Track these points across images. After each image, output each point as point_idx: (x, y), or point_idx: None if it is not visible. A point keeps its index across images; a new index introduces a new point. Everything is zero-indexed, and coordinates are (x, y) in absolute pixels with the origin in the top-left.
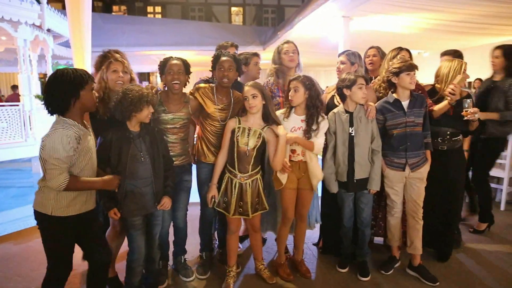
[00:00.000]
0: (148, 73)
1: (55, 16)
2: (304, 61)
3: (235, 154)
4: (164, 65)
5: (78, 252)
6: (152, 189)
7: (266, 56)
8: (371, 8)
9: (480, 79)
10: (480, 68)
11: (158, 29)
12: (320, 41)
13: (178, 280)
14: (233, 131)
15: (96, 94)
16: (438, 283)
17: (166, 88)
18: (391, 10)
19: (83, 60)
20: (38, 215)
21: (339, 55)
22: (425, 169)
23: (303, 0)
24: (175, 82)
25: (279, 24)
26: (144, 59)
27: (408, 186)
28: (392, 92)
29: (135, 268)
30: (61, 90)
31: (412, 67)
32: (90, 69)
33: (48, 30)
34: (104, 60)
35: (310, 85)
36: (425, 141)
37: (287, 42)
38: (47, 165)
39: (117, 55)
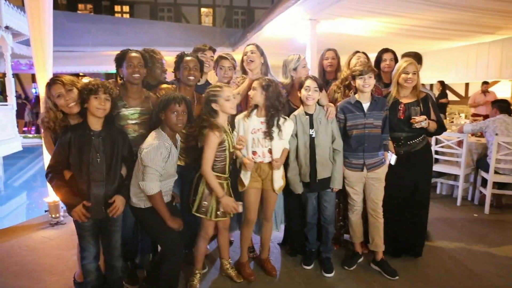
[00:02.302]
0: (116, 74)
1: (14, 13)
2: (273, 63)
3: (227, 159)
4: (122, 58)
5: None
6: (103, 193)
7: (235, 58)
8: (336, 12)
9: (441, 82)
10: (439, 71)
11: (126, 29)
12: (289, 43)
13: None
14: (221, 142)
15: (51, 124)
16: (397, 277)
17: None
18: (356, 14)
19: (44, 60)
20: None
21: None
22: (382, 170)
23: (273, 2)
24: (135, 74)
25: (249, 26)
26: (110, 60)
27: (367, 186)
28: (354, 93)
29: (86, 266)
30: (158, 105)
31: (362, 72)
32: (51, 69)
33: (7, 28)
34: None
35: (267, 86)
36: (384, 143)
37: (248, 44)
38: (147, 170)
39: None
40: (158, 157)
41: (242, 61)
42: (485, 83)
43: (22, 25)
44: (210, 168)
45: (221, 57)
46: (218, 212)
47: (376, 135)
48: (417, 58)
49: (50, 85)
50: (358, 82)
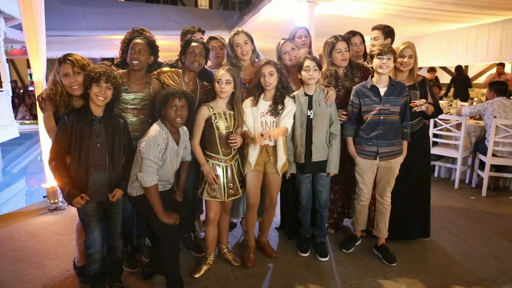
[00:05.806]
0: (113, 59)
1: None
2: (271, 46)
3: (217, 140)
4: (128, 43)
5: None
6: (106, 178)
7: None
8: None
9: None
10: (438, 53)
11: (121, 12)
12: (287, 26)
13: (144, 263)
14: (208, 119)
15: (56, 97)
16: (395, 264)
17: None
18: None
19: (37, 44)
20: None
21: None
22: (396, 161)
23: None
24: (134, 61)
25: (246, 8)
26: (106, 44)
27: (378, 173)
28: (371, 77)
29: (91, 255)
30: (159, 100)
31: (381, 52)
32: (45, 54)
33: None
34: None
35: (280, 67)
36: (404, 131)
37: (237, 33)
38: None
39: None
40: (155, 148)
41: (232, 50)
42: (499, 64)
43: (15, 9)
44: (195, 142)
45: (210, 38)
46: (231, 191)
47: (392, 121)
48: (385, 31)
49: (60, 62)
50: (376, 62)
